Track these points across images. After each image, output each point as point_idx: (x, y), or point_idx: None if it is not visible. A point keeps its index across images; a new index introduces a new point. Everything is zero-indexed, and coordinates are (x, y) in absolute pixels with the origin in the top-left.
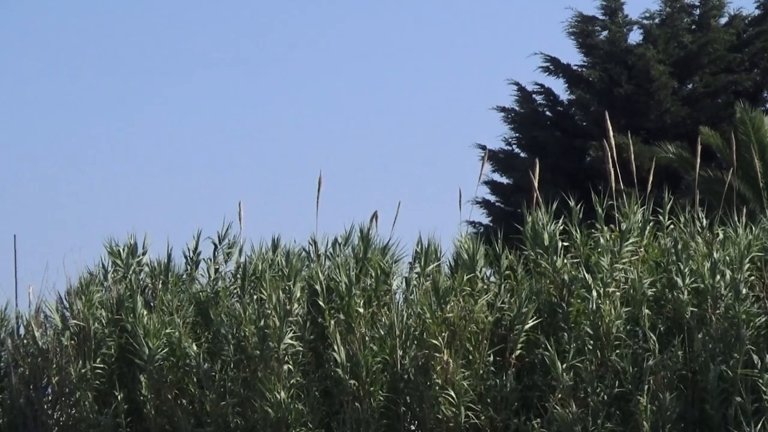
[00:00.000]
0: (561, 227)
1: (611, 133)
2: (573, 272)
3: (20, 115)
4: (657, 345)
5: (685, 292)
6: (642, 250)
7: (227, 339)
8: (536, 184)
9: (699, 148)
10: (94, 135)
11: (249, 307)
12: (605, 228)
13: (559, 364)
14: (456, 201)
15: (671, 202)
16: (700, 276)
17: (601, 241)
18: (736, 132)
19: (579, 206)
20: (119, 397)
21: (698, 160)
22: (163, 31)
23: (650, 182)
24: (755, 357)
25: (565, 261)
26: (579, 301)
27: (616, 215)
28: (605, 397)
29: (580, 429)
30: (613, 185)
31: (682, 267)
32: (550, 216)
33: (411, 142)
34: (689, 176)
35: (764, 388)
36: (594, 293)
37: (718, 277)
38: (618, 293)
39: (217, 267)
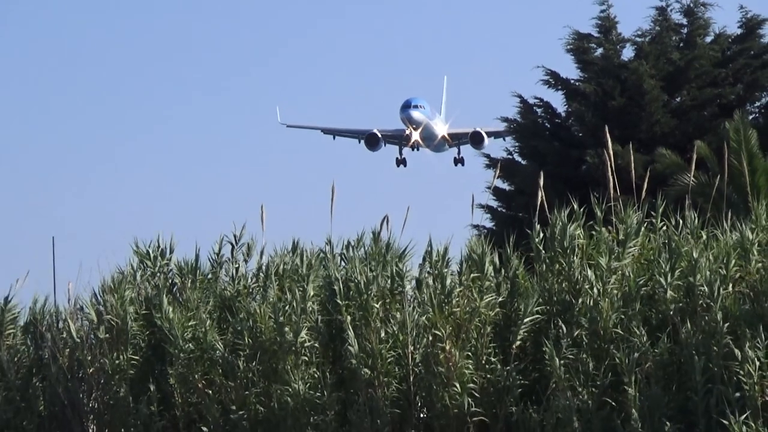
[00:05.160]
0: (574, 230)
1: (610, 143)
2: (582, 272)
3: (59, 128)
4: (646, 338)
5: (668, 290)
6: (636, 249)
7: (248, 333)
8: (541, 191)
9: (694, 158)
10: (127, 144)
11: (268, 304)
12: (604, 230)
13: (556, 357)
14: (459, 206)
15: (663, 205)
16: (686, 275)
17: (606, 240)
18: (728, 142)
19: (583, 210)
20: (152, 388)
21: (692, 169)
22: (193, 45)
23: (644, 189)
24: (736, 350)
25: (579, 261)
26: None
27: (614, 219)
28: (597, 389)
29: (575, 417)
30: (612, 192)
31: (665, 267)
32: (570, 220)
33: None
34: (681, 181)
35: (744, 379)
36: (595, 290)
37: (700, 276)
38: (617, 291)
39: (237, 266)
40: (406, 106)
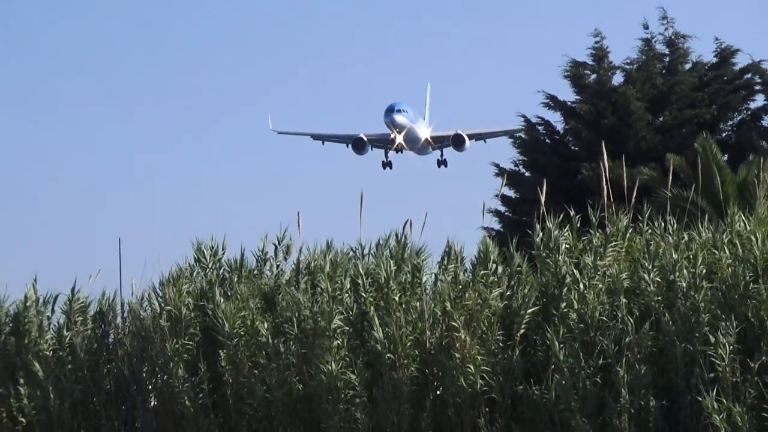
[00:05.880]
0: (565, 233)
1: (606, 158)
2: (569, 268)
3: (121, 137)
4: (633, 326)
5: (652, 284)
6: (623, 250)
7: (289, 320)
8: (543, 200)
9: (671, 170)
10: (184, 151)
11: (305, 295)
12: (597, 233)
13: (556, 342)
14: (471, 210)
15: (649, 211)
16: (667, 271)
17: (594, 242)
18: (700, 157)
19: (578, 216)
20: (204, 368)
21: (670, 180)
22: (234, 56)
23: (633, 198)
24: (711, 336)
25: (565, 259)
26: (571, 291)
27: (607, 223)
28: (592, 368)
29: (572, 394)
30: (605, 201)
31: (647, 264)
32: (557, 225)
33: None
34: (660, 192)
35: (718, 362)
36: (581, 285)
37: (679, 272)
38: (601, 285)
39: (278, 264)
40: (390, 111)
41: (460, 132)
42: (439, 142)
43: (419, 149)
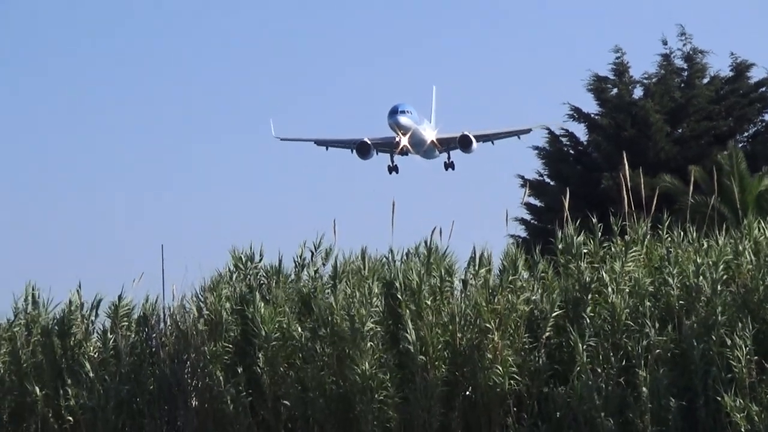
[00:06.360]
0: (588, 240)
1: (627, 168)
2: (592, 274)
3: (162, 148)
4: (655, 330)
5: (674, 289)
6: (644, 256)
7: (324, 323)
8: (566, 209)
9: (692, 179)
10: (222, 162)
11: (341, 299)
12: (619, 240)
13: (580, 344)
14: (498, 219)
15: (669, 219)
16: (687, 276)
17: (614, 249)
18: (720, 167)
19: (598, 224)
20: (243, 370)
21: (691, 190)
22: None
23: (653, 206)
24: (728, 339)
25: (586, 265)
26: (596, 295)
27: (628, 230)
28: (613, 371)
29: (596, 394)
30: (626, 209)
31: (671, 269)
32: (580, 232)
33: (467, 174)
34: (681, 200)
35: (735, 363)
36: (609, 289)
37: (701, 277)
38: (627, 289)
39: (316, 269)
40: (394, 112)
41: (466, 133)
42: (445, 144)
43: (425, 152)
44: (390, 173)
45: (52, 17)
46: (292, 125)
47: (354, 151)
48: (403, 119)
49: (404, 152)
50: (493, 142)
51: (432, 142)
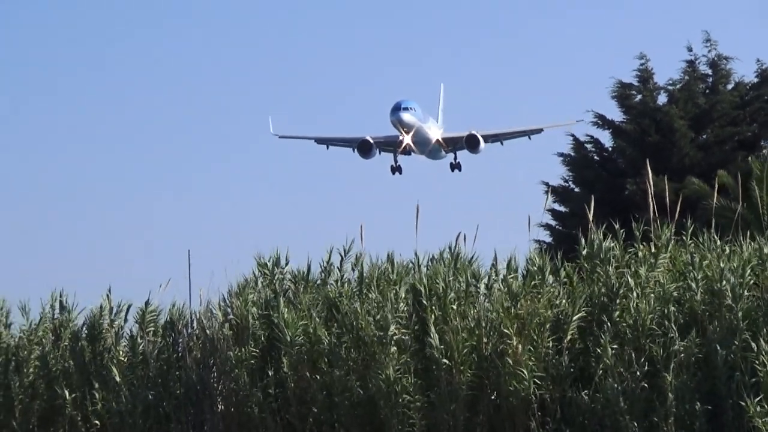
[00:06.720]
0: (612, 245)
1: (650, 174)
2: (620, 279)
3: (187, 157)
4: (678, 334)
5: (698, 294)
6: (668, 261)
7: (350, 328)
8: (591, 215)
9: (716, 185)
10: (248, 169)
11: (366, 304)
12: (642, 245)
13: (609, 348)
14: (523, 224)
15: (693, 225)
16: (713, 281)
17: (639, 255)
18: (748, 171)
19: (621, 230)
20: (269, 374)
21: (715, 194)
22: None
23: (677, 212)
24: (753, 344)
25: (613, 270)
26: (624, 300)
27: (652, 236)
28: (638, 375)
29: (621, 399)
30: (651, 215)
31: (696, 274)
32: (607, 238)
33: (492, 179)
34: (706, 204)
35: (759, 367)
36: (635, 294)
37: (725, 282)
38: (653, 295)
39: (343, 274)
40: (396, 109)
41: (474, 132)
42: (451, 143)
43: (430, 152)
44: (393, 174)
45: (76, 18)
46: (292, 123)
47: (355, 149)
48: (406, 116)
49: (407, 151)
50: (502, 143)
51: (437, 141)
